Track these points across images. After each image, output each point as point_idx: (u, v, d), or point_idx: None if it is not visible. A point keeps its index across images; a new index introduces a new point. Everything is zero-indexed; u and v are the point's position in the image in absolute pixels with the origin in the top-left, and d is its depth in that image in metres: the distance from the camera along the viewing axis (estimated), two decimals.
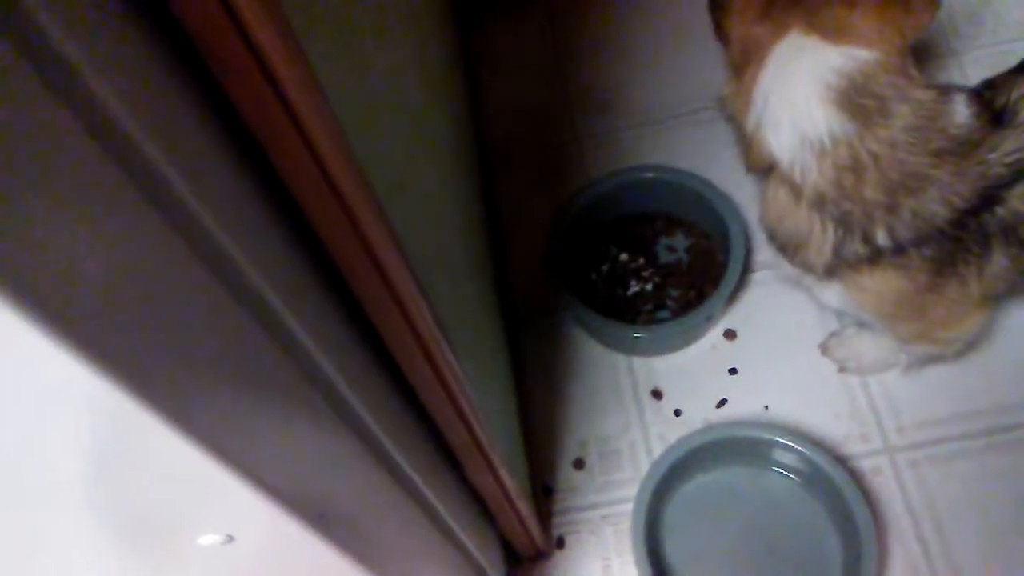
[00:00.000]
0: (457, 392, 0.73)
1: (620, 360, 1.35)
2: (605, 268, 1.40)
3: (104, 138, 0.31)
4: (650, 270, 1.39)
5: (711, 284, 1.34)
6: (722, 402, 1.29)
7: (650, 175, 1.40)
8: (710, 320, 1.32)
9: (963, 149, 0.94)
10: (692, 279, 1.37)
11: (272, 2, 0.39)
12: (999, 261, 0.99)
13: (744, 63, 1.01)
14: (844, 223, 0.98)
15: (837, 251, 1.00)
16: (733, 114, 1.06)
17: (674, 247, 1.41)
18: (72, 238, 0.29)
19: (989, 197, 0.95)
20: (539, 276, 1.42)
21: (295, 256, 0.52)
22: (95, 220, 0.31)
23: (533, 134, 1.59)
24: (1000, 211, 0.95)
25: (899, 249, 0.98)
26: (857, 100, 0.93)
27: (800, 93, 0.94)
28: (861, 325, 1.27)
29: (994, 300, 1.08)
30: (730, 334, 1.34)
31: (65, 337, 0.28)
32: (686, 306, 1.34)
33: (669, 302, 1.36)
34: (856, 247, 0.98)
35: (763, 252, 1.39)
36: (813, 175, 0.96)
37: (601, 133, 1.56)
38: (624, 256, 1.41)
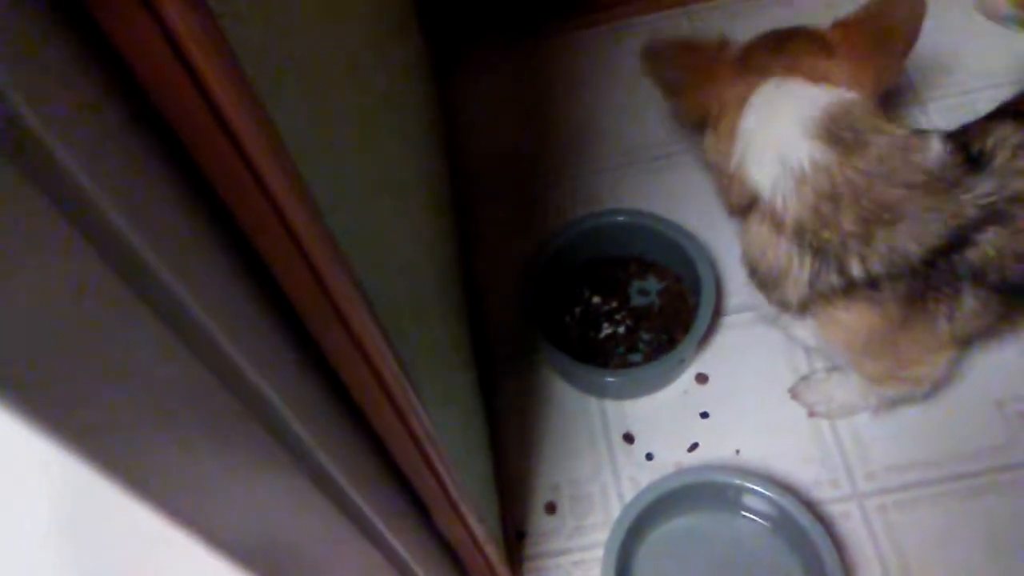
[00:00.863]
0: (425, 441, 0.73)
1: (592, 403, 1.35)
2: (578, 311, 1.41)
3: (62, 199, 0.31)
4: (622, 313, 1.40)
5: (683, 328, 1.35)
6: (693, 446, 1.29)
7: (623, 219, 1.41)
8: (682, 363, 1.33)
9: (937, 186, 0.97)
10: (664, 323, 1.38)
11: (232, 63, 0.39)
12: (968, 303, 1.01)
13: (721, 116, 1.06)
14: (821, 253, 1.00)
15: (813, 283, 1.02)
16: (714, 160, 1.09)
17: (646, 290, 1.42)
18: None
19: (961, 238, 0.97)
20: (514, 318, 1.43)
21: (252, 300, 0.52)
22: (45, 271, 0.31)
23: (509, 176, 1.60)
24: (970, 254, 0.98)
25: (872, 283, 1.00)
26: (836, 132, 0.98)
27: (783, 125, 1.00)
28: (832, 369, 1.28)
29: (963, 341, 1.10)
30: (702, 378, 1.34)
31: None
32: (658, 350, 1.35)
33: (641, 345, 1.37)
34: (831, 278, 1.01)
35: (735, 296, 1.40)
36: (794, 203, 1.00)
37: (577, 175, 1.57)
38: (597, 299, 1.41)
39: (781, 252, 1.03)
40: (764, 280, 1.09)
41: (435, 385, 0.95)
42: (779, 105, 1.01)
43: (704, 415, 1.31)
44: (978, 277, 0.99)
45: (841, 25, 1.06)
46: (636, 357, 1.36)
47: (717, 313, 1.37)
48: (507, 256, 1.49)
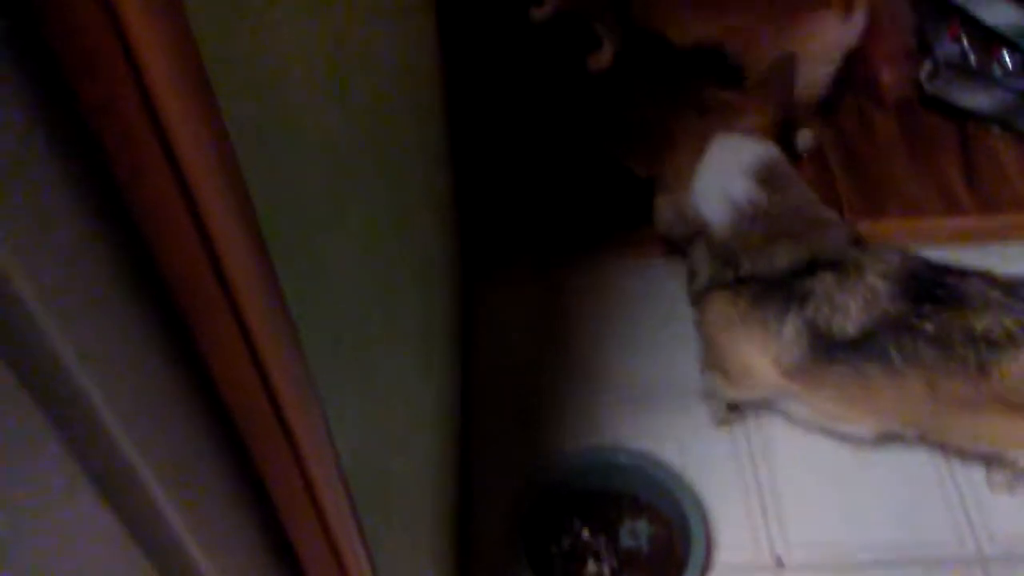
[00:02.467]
0: None
1: None
2: (566, 543, 1.40)
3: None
4: (610, 552, 1.39)
5: None
6: None
7: (623, 459, 1.43)
8: None
9: (822, 230, 1.30)
10: (650, 570, 1.37)
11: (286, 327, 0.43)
12: (788, 329, 1.26)
13: (677, 181, 1.39)
14: (726, 259, 1.32)
15: (713, 278, 1.34)
16: (666, 217, 1.45)
17: (636, 533, 1.42)
18: None
19: (810, 267, 1.25)
20: (501, 541, 1.42)
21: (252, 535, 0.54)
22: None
23: (515, 390, 1.63)
24: (808, 283, 1.25)
25: (744, 279, 1.29)
26: (767, 177, 1.32)
27: (730, 172, 1.33)
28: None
29: (786, 374, 1.30)
30: None
31: None
32: None
33: None
34: (727, 274, 1.31)
35: (723, 552, 1.40)
36: (727, 229, 1.32)
37: (580, 402, 1.61)
38: (586, 533, 1.41)
39: (702, 258, 1.36)
40: (688, 274, 1.43)
41: None
42: (725, 158, 1.35)
43: None
44: (802, 306, 1.24)
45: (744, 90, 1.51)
46: None
47: (704, 569, 1.37)
48: (504, 472, 1.50)
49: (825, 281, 1.23)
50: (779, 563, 1.39)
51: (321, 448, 0.54)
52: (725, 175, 1.33)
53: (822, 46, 1.70)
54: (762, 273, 1.28)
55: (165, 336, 0.43)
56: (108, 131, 0.36)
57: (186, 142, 0.37)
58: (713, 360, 1.44)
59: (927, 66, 1.95)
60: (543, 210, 1.83)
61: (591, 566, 1.38)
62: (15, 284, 0.32)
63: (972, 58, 1.91)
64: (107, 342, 0.38)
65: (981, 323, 1.17)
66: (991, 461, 1.42)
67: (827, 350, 1.23)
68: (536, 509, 1.38)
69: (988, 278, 1.23)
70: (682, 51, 1.77)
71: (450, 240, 1.55)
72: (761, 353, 1.31)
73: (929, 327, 1.18)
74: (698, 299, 1.40)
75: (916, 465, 1.49)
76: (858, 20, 1.69)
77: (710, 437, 1.55)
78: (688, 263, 1.43)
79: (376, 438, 0.81)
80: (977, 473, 1.47)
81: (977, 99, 1.93)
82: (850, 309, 1.21)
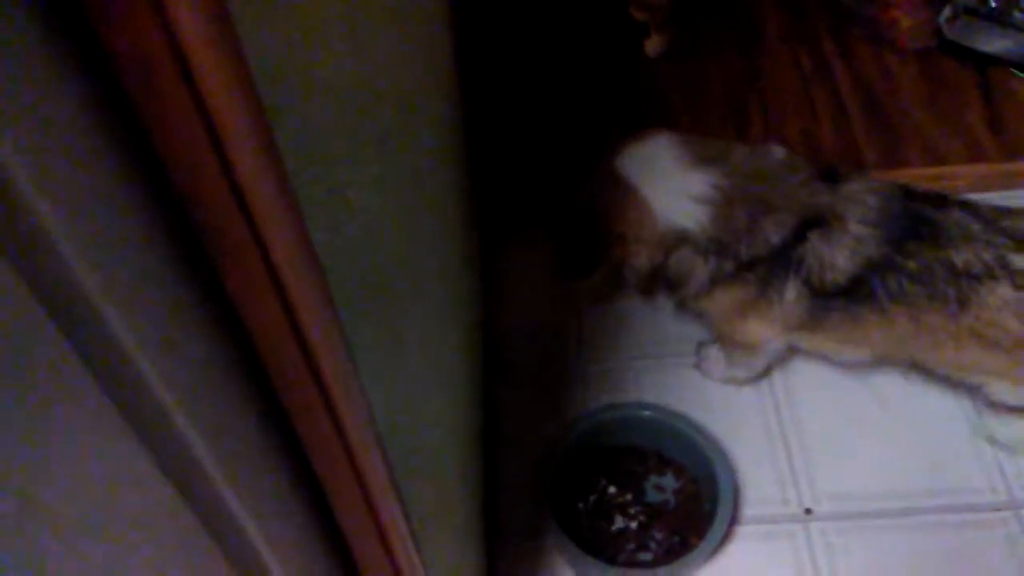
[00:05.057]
0: None
1: None
2: (592, 499, 1.40)
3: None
4: (636, 507, 1.39)
5: (695, 532, 1.34)
6: None
7: (648, 413, 1.42)
8: (691, 570, 1.31)
9: (789, 183, 1.28)
10: (677, 524, 1.37)
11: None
12: (789, 291, 1.27)
13: (640, 231, 1.32)
14: (720, 252, 1.28)
15: (712, 277, 1.30)
16: (638, 266, 1.36)
17: (663, 487, 1.41)
18: None
19: (799, 233, 1.24)
20: (527, 496, 1.42)
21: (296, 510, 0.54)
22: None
23: (539, 351, 1.63)
24: (800, 248, 1.24)
25: (749, 265, 1.27)
26: (702, 155, 1.28)
27: (675, 172, 1.28)
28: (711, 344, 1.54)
29: (791, 330, 1.35)
30: None
31: None
32: (669, 551, 1.34)
33: (652, 544, 1.35)
34: (727, 266, 1.28)
35: (751, 506, 1.40)
36: (709, 225, 1.26)
37: (604, 360, 1.60)
38: (612, 489, 1.41)
39: (691, 261, 1.31)
40: (671, 283, 1.37)
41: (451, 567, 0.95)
42: (656, 165, 1.29)
43: None
44: (798, 270, 1.25)
45: None
46: (646, 556, 1.34)
47: (732, 521, 1.36)
48: (528, 430, 1.50)
49: (813, 241, 1.24)
50: (807, 513, 1.39)
51: (352, 395, 0.53)
52: (674, 178, 1.28)
53: None
54: (761, 254, 1.27)
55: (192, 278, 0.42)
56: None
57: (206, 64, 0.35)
58: (729, 343, 1.46)
59: (947, 12, 1.92)
60: (560, 172, 1.81)
61: (618, 521, 1.38)
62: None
63: (992, 2, 1.87)
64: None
65: (961, 258, 1.21)
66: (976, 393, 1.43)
67: (823, 302, 1.28)
68: (562, 468, 1.38)
69: (970, 209, 1.26)
70: None
71: (467, 203, 1.53)
72: (771, 323, 1.34)
73: (911, 265, 1.22)
74: (696, 300, 1.37)
75: (945, 412, 1.48)
76: None
77: (735, 391, 1.54)
78: (666, 275, 1.37)
79: (403, 396, 0.80)
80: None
81: (997, 44, 1.89)
82: (838, 262, 1.24)
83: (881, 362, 1.46)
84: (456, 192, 1.32)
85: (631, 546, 1.35)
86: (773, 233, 1.25)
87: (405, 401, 0.78)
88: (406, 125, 0.84)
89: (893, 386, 1.52)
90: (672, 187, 1.28)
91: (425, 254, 0.98)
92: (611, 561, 1.33)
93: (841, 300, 1.27)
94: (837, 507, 1.40)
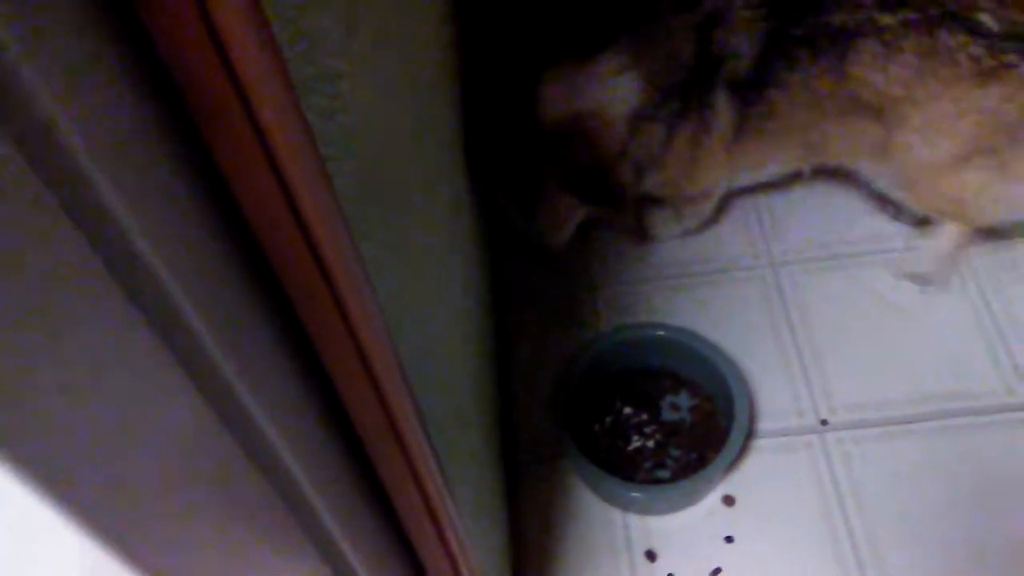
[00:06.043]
0: (457, 552, 0.73)
1: (617, 516, 1.34)
2: (608, 420, 1.41)
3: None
4: (653, 427, 1.39)
5: (712, 448, 1.34)
6: (716, 571, 1.27)
7: (660, 333, 1.42)
8: (709, 483, 1.32)
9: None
10: (694, 441, 1.37)
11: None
12: (720, 99, 1.35)
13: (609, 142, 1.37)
14: (660, 101, 1.35)
15: (667, 124, 1.37)
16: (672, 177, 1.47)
17: (678, 406, 1.42)
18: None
19: (706, 38, 1.32)
20: (543, 420, 1.43)
21: (308, 408, 0.53)
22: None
23: (550, 277, 1.62)
24: (710, 52, 1.32)
25: (684, 93, 1.34)
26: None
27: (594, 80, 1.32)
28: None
29: (733, 166, 1.47)
30: (728, 500, 1.33)
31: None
32: (686, 467, 1.34)
33: (669, 461, 1.36)
34: (674, 105, 1.35)
35: (766, 420, 1.40)
36: (638, 90, 1.33)
37: (617, 283, 1.59)
38: (628, 410, 1.42)
39: (648, 130, 1.37)
40: (646, 164, 1.43)
41: (467, 494, 0.95)
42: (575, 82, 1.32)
43: (729, 539, 1.30)
44: (719, 72, 1.33)
45: None
46: (664, 473, 1.35)
47: (749, 435, 1.37)
48: (542, 356, 1.50)
49: (718, 39, 1.32)
50: (823, 424, 1.39)
51: (354, 277, 0.52)
52: (594, 80, 1.32)
53: None
54: (686, 77, 1.33)
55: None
56: None
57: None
58: (680, 199, 1.56)
59: None
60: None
61: (635, 441, 1.38)
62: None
63: None
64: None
65: (837, 18, 1.30)
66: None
67: (743, 97, 1.37)
68: (577, 391, 1.38)
69: None
70: None
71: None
72: (717, 161, 1.45)
73: (798, 31, 1.32)
74: (662, 166, 1.43)
75: (958, 316, 1.47)
76: None
77: (746, 308, 1.54)
78: (639, 162, 1.42)
79: (410, 295, 0.79)
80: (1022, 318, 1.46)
81: None
82: (742, 48, 1.33)
83: (807, 173, 1.56)
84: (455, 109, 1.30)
85: (648, 464, 1.36)
86: (682, 52, 1.32)
87: (413, 300, 0.77)
88: (403, 23, 0.82)
89: (905, 293, 1.51)
90: (599, 88, 1.33)
91: (428, 156, 0.96)
92: (629, 479, 1.34)
93: (754, 88, 1.35)
94: (852, 417, 1.40)
